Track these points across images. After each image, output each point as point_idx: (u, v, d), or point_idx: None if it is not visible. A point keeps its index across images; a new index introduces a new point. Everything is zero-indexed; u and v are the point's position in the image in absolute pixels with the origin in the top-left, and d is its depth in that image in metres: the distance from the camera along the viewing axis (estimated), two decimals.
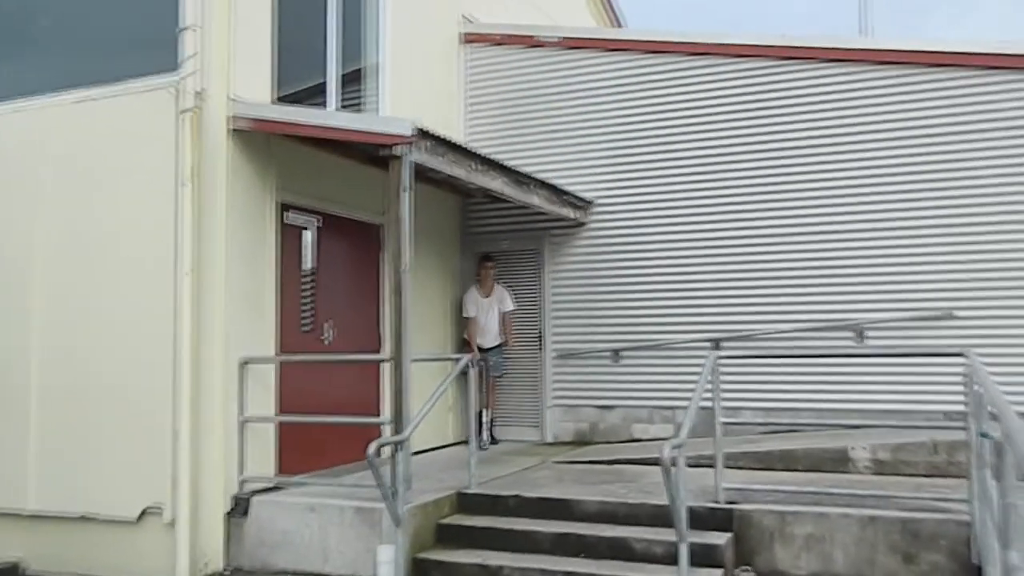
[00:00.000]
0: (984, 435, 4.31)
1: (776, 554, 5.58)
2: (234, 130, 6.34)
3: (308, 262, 7.36)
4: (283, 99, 7.05)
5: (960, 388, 5.35)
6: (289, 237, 7.08)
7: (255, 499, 6.24)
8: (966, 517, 5.18)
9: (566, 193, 8.60)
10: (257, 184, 6.62)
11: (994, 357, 6.87)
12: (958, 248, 7.62)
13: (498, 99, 9.60)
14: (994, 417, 3.70)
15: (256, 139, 6.55)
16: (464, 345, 8.94)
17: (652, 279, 8.75)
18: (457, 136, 9.00)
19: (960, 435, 5.62)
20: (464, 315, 9.04)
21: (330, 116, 7.02)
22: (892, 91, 7.88)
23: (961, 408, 5.35)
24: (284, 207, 6.97)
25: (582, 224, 9.07)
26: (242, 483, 6.32)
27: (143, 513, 6.15)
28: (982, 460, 4.36)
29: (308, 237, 7.36)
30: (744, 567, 5.59)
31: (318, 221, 7.43)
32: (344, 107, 8.06)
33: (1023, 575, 2.61)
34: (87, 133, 6.62)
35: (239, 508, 6.22)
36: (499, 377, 9.15)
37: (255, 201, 6.60)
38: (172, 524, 5.99)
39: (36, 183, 6.78)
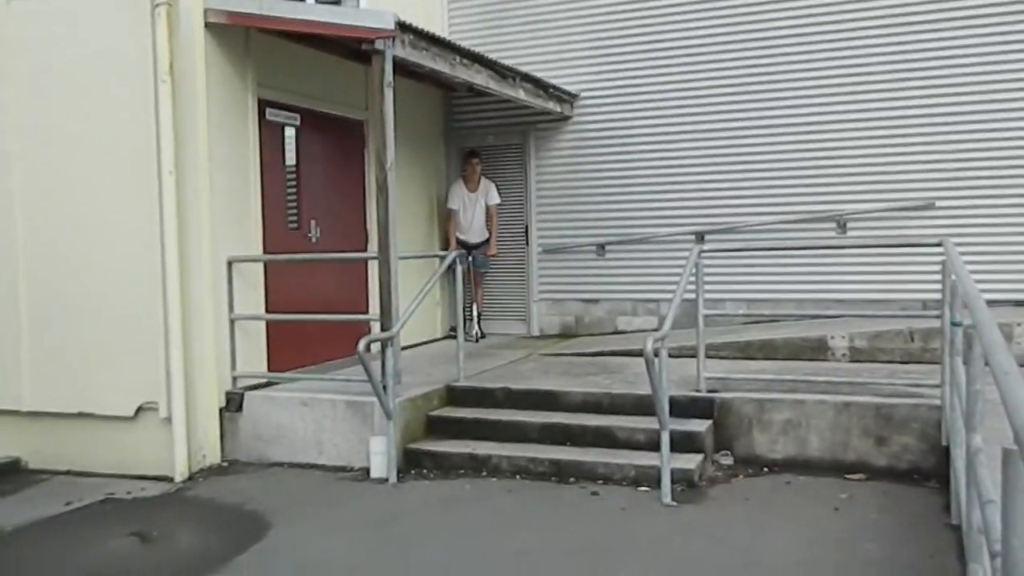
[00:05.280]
0: (956, 323, 4.43)
1: (754, 439, 5.79)
2: (210, 23, 6.18)
3: (291, 160, 7.30)
4: None
5: (938, 277, 5.45)
6: (271, 135, 6.99)
7: (248, 395, 6.38)
8: (937, 402, 5.36)
9: (551, 87, 8.48)
10: (236, 80, 6.50)
11: (972, 246, 7.01)
12: (940, 138, 7.63)
13: None
14: (966, 306, 3.80)
15: (233, 34, 6.40)
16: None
17: (637, 173, 8.74)
18: (439, 29, 8.79)
19: (936, 323, 5.77)
20: (448, 206, 9.04)
21: (308, 10, 6.81)
22: None
23: (938, 297, 5.47)
24: (265, 104, 6.86)
25: (567, 118, 8.99)
26: (235, 379, 6.45)
27: (139, 409, 6.27)
28: (954, 348, 4.48)
29: (290, 134, 7.28)
30: (723, 452, 5.82)
31: (300, 118, 7.32)
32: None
33: (983, 455, 2.76)
34: (60, 28, 6.42)
35: (233, 403, 6.36)
36: (484, 273, 9.23)
37: (235, 98, 6.49)
38: (168, 420, 6.11)
39: (6, 79, 6.60)
